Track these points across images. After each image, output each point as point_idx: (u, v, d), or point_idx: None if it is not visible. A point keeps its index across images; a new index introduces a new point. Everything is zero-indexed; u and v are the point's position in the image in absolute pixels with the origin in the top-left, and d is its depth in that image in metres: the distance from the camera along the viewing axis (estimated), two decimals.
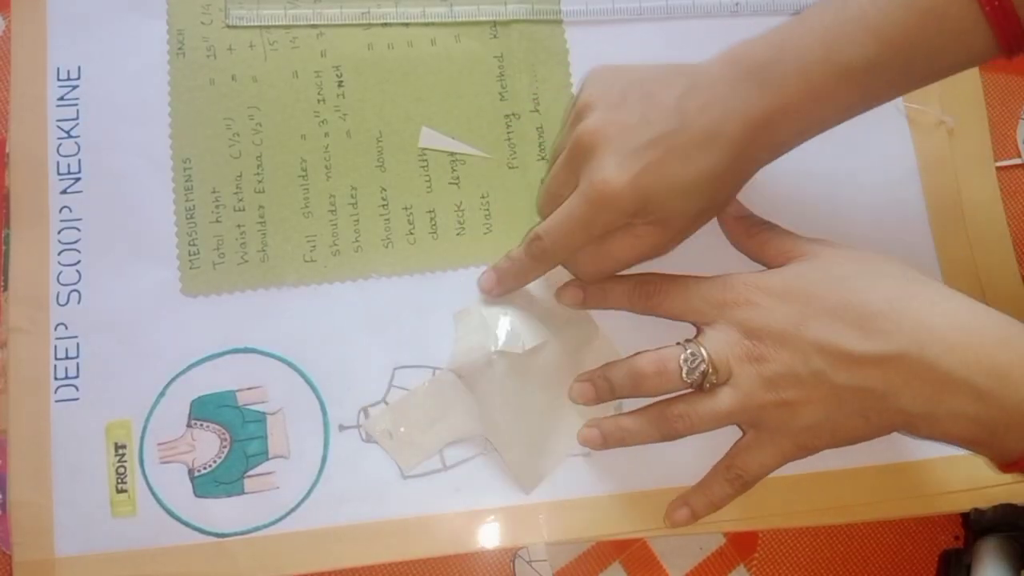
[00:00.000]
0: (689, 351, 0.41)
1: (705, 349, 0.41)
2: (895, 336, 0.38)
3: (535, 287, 0.47)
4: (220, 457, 0.45)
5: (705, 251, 0.46)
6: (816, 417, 0.40)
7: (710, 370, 0.41)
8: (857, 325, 0.38)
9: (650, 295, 0.44)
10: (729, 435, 0.44)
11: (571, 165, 0.42)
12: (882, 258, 0.41)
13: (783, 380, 0.40)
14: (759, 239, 0.45)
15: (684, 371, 0.41)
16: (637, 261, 0.44)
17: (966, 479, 0.45)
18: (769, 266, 0.44)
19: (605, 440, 0.44)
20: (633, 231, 0.42)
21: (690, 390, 0.42)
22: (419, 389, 0.46)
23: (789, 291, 0.41)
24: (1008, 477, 0.45)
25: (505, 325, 0.45)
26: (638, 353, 0.43)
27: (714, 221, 0.46)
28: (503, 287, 0.46)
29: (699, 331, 0.43)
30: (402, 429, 0.45)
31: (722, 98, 0.40)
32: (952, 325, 0.38)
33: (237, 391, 0.46)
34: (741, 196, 0.45)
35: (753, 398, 0.40)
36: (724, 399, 0.41)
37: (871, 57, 0.39)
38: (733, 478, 0.42)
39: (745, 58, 0.41)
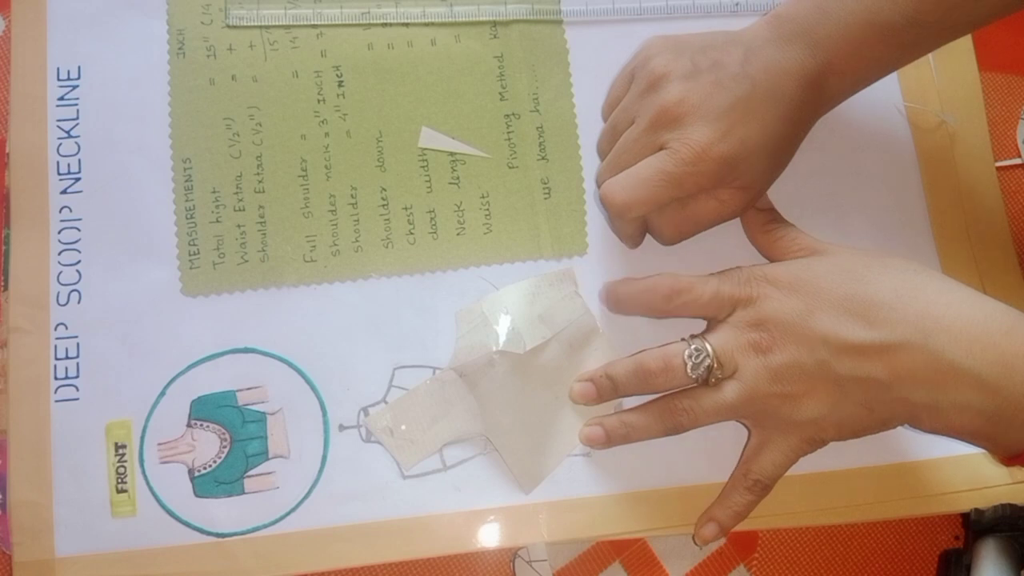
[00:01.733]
0: (694, 347, 0.41)
1: (710, 344, 0.41)
2: (899, 326, 0.38)
3: (537, 286, 0.46)
4: (220, 457, 0.45)
5: (706, 249, 0.46)
6: (820, 409, 0.40)
7: (715, 365, 0.41)
8: (861, 315, 0.39)
9: (673, 298, 0.43)
10: (729, 434, 0.45)
11: (655, 132, 0.43)
12: (890, 254, 0.42)
13: (788, 372, 0.40)
14: (772, 235, 0.45)
15: (689, 367, 0.41)
16: (717, 223, 0.45)
17: (966, 479, 0.45)
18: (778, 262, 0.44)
19: (609, 437, 0.44)
20: (717, 195, 0.43)
21: (695, 384, 0.42)
22: (420, 387, 0.46)
23: (796, 282, 0.41)
24: (1008, 477, 0.45)
25: (506, 325, 0.45)
26: (642, 351, 0.43)
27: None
28: (623, 238, 0.47)
29: (707, 325, 0.43)
30: (403, 427, 0.45)
31: (776, 60, 0.42)
32: (957, 315, 0.37)
33: (237, 391, 0.46)
34: None
35: (758, 390, 0.40)
36: (729, 392, 0.41)
37: (910, 15, 0.41)
38: (752, 484, 0.42)
39: (790, 21, 0.43)
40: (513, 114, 0.50)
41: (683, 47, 0.44)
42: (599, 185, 0.45)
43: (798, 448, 0.42)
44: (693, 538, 0.44)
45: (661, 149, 0.42)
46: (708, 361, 0.41)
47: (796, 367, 0.40)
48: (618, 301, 0.45)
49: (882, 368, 0.38)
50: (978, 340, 0.37)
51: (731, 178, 0.42)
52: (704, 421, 0.42)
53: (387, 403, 0.46)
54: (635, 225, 0.45)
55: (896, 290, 0.39)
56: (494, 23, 0.50)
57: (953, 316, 0.37)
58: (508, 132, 0.49)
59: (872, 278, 0.40)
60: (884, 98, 0.50)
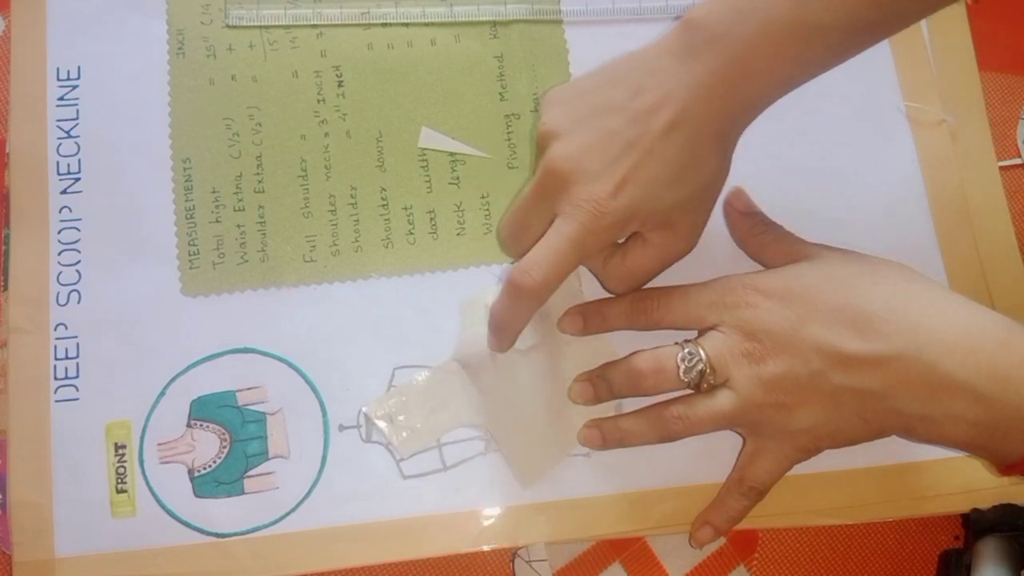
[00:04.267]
0: (687, 350, 0.41)
1: (703, 349, 0.41)
2: (893, 337, 0.38)
3: None
4: (220, 457, 0.45)
5: (704, 256, 0.46)
6: (814, 419, 0.40)
7: (708, 370, 0.41)
8: (855, 326, 0.38)
9: (649, 311, 0.44)
10: (728, 435, 0.44)
11: (543, 195, 0.41)
12: (883, 260, 0.41)
13: (782, 382, 0.40)
14: (761, 240, 0.45)
15: (681, 370, 0.41)
16: (662, 267, 0.43)
17: (966, 480, 0.45)
18: (768, 267, 0.44)
19: (605, 440, 0.44)
20: (644, 240, 0.42)
21: (689, 391, 0.42)
22: (422, 377, 0.46)
23: (788, 292, 0.41)
24: (1008, 479, 0.45)
25: None
26: (635, 352, 0.43)
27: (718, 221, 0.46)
28: (504, 336, 0.43)
29: (699, 333, 0.43)
30: (402, 416, 0.45)
31: (676, 76, 0.39)
32: (952, 327, 0.37)
33: (237, 391, 0.46)
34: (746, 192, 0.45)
35: (752, 400, 0.40)
36: (723, 400, 0.41)
37: (843, 15, 0.38)
38: (747, 491, 0.42)
39: (702, 27, 0.39)
40: (513, 114, 0.50)
41: (570, 97, 0.42)
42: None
43: (792, 456, 0.41)
44: (689, 540, 0.44)
45: (556, 216, 0.41)
46: (701, 365, 0.41)
47: (790, 377, 0.40)
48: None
49: (876, 379, 0.38)
50: (972, 352, 0.37)
51: (646, 223, 0.41)
52: (698, 429, 0.42)
53: (390, 389, 0.46)
54: (535, 309, 0.42)
55: (889, 300, 0.39)
56: (494, 23, 0.50)
57: (947, 327, 0.37)
58: (508, 132, 0.49)
59: (864, 287, 0.39)
60: (884, 98, 0.50)
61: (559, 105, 0.42)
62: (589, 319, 0.45)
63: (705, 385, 0.41)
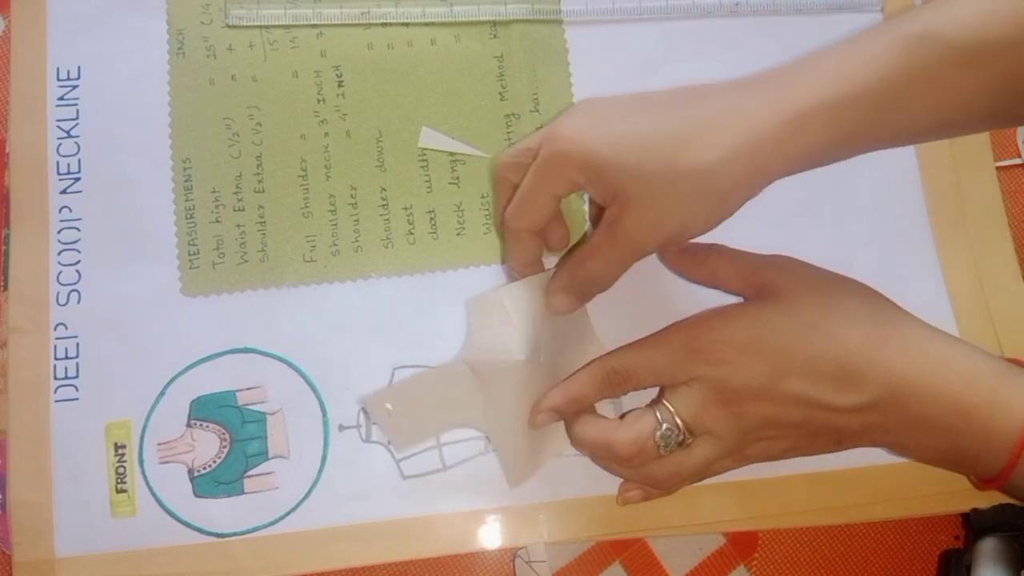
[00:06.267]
0: (664, 427, 0.40)
1: (679, 418, 0.40)
2: (870, 387, 0.39)
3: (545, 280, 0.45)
4: (220, 457, 0.45)
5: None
6: (792, 446, 0.41)
7: (686, 437, 0.41)
8: (833, 378, 0.39)
9: (622, 383, 0.42)
10: None
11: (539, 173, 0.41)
12: (846, 287, 0.41)
13: (762, 426, 0.40)
14: (708, 266, 0.44)
15: (661, 447, 0.40)
16: (682, 234, 0.40)
17: (966, 480, 0.45)
18: (725, 291, 0.44)
19: (639, 499, 0.44)
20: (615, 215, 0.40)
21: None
22: (425, 374, 0.45)
23: (760, 344, 0.40)
24: None
25: (527, 327, 0.43)
26: (613, 421, 0.42)
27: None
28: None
29: (670, 389, 0.41)
30: (402, 411, 0.44)
31: (724, 98, 0.39)
32: (921, 372, 0.39)
33: (237, 391, 0.46)
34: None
35: (732, 444, 0.41)
36: (707, 451, 0.41)
37: (929, 23, 0.37)
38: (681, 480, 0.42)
39: (755, 76, 0.39)
40: (513, 114, 0.50)
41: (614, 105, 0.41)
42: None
43: (744, 463, 0.42)
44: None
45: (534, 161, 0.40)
46: (680, 437, 0.40)
47: (770, 423, 0.40)
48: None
49: (855, 421, 0.40)
50: (941, 393, 0.38)
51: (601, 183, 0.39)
52: (689, 482, 0.42)
53: (390, 385, 0.45)
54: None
55: (862, 346, 0.39)
56: (494, 23, 0.50)
57: (917, 372, 0.39)
58: (508, 132, 0.49)
59: (838, 332, 0.39)
60: None
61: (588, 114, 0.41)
62: (563, 409, 0.43)
63: (686, 444, 0.41)
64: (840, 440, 0.41)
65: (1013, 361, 0.40)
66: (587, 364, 0.43)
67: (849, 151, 0.39)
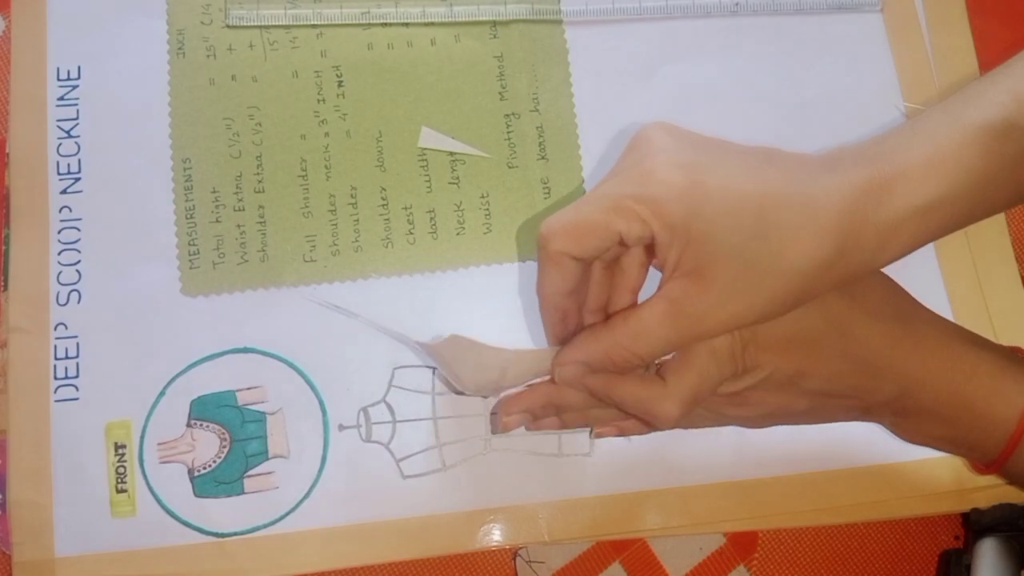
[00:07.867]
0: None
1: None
2: (887, 387, 0.40)
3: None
4: (220, 457, 0.45)
5: None
6: (783, 419, 0.42)
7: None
8: (853, 384, 0.40)
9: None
10: (729, 435, 0.44)
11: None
12: (870, 283, 0.40)
13: (771, 416, 0.41)
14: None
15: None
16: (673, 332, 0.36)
17: (966, 479, 0.45)
18: None
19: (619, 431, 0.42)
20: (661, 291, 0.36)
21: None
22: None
23: (792, 344, 0.38)
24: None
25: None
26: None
27: None
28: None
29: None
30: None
31: (811, 172, 0.36)
32: (929, 367, 0.40)
33: (237, 391, 0.46)
34: None
35: (734, 387, 0.39)
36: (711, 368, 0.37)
37: (1009, 116, 0.36)
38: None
39: (844, 151, 0.37)
40: (513, 114, 0.50)
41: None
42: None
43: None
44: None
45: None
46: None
47: (783, 410, 0.41)
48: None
49: (858, 409, 0.41)
50: (945, 390, 0.39)
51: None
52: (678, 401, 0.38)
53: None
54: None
55: (883, 347, 0.39)
56: (494, 23, 0.50)
57: (925, 369, 0.39)
58: (508, 132, 0.49)
59: (859, 334, 0.39)
60: (884, 98, 0.50)
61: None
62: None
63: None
64: (835, 419, 0.42)
65: (1015, 350, 0.41)
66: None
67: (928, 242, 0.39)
